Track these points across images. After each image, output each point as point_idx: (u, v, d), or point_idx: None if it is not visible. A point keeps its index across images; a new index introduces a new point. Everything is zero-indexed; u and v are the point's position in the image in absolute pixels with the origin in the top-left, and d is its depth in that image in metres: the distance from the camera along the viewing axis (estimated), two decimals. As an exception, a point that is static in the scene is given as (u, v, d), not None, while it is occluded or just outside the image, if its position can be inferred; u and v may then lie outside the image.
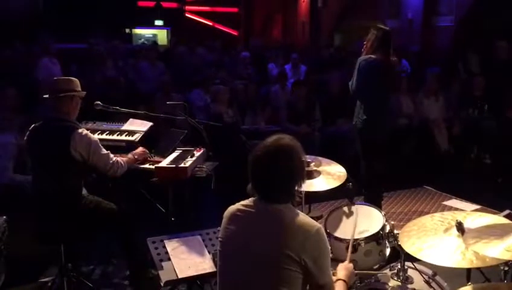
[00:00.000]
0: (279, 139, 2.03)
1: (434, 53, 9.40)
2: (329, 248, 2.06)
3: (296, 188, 2.04)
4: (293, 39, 14.69)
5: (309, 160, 3.13)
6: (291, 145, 2.03)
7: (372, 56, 4.23)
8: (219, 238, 2.13)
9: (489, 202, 4.93)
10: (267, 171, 1.99)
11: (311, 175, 3.15)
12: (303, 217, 2.00)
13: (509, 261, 2.27)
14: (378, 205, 3.77)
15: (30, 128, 3.38)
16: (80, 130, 3.27)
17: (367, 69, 4.22)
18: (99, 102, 3.74)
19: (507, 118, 6.48)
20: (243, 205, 2.08)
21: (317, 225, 1.99)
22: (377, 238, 2.80)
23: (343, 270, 2.23)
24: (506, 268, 2.37)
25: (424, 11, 10.96)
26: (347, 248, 2.66)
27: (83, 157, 3.27)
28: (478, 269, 2.53)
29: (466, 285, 2.12)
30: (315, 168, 3.19)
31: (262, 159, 2.00)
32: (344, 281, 2.16)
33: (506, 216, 2.90)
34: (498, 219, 2.40)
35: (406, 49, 9.26)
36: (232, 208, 2.11)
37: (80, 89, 3.41)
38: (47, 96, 3.36)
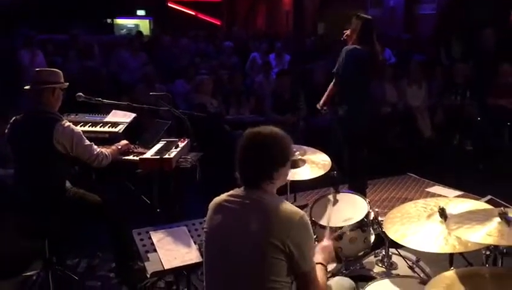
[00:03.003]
0: (265, 128, 2.09)
1: (416, 41, 9.45)
2: (314, 235, 2.07)
3: (277, 173, 2.06)
4: (277, 28, 14.65)
5: (294, 149, 3.14)
6: (277, 133, 2.08)
7: (358, 46, 4.21)
8: (204, 229, 2.13)
9: (471, 188, 5.00)
10: (252, 157, 2.04)
11: (296, 164, 3.16)
12: (287, 205, 2.02)
13: (491, 245, 2.31)
14: (362, 193, 3.81)
15: (11, 121, 3.32)
16: (62, 122, 3.23)
17: (353, 60, 4.20)
18: (81, 93, 3.69)
19: (488, 105, 6.57)
20: (229, 196, 2.09)
21: (301, 212, 2.01)
22: (362, 225, 2.83)
23: (320, 252, 2.25)
24: (488, 252, 2.41)
25: (406, -1, 11.04)
26: (335, 238, 2.68)
27: (66, 149, 3.23)
28: (460, 254, 2.57)
29: (449, 269, 2.15)
30: (300, 157, 3.21)
31: (249, 145, 2.05)
32: (322, 264, 2.18)
33: (488, 202, 2.96)
34: (480, 204, 2.44)
35: (390, 37, 9.30)
36: (218, 199, 2.12)
37: (62, 80, 3.36)
38: (28, 87, 3.31)
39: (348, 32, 4.34)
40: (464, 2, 9.66)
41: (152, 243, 2.77)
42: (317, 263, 2.14)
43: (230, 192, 2.11)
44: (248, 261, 1.96)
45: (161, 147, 3.58)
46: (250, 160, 2.05)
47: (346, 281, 2.41)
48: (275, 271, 1.95)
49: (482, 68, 6.90)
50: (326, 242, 2.38)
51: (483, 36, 7.22)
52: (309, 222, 2.04)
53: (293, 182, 3.19)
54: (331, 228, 2.69)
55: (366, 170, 4.65)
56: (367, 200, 3.03)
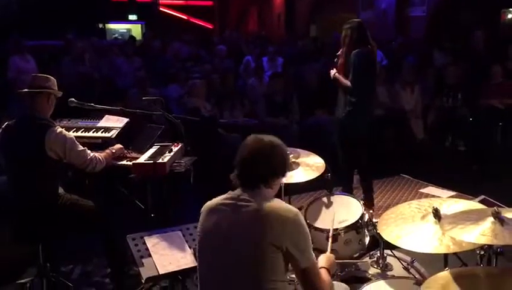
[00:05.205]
0: (271, 138, 2.15)
1: (408, 43, 9.51)
2: (309, 233, 2.08)
3: (273, 181, 2.13)
4: (269, 31, 14.68)
5: (288, 152, 3.14)
6: (277, 143, 2.14)
7: (358, 49, 4.18)
8: (197, 234, 2.13)
9: (464, 188, 5.02)
10: (255, 165, 2.07)
11: (290, 167, 3.16)
12: (279, 204, 2.03)
13: (485, 245, 2.32)
14: (369, 193, 3.78)
15: (3, 127, 3.30)
16: (54, 128, 3.21)
17: (360, 61, 4.12)
18: (73, 99, 3.67)
19: (480, 107, 6.62)
20: (221, 199, 2.09)
21: (294, 209, 2.02)
22: (356, 227, 2.84)
23: (324, 259, 2.28)
24: (482, 252, 2.42)
25: (397, 1, 11.08)
26: (327, 238, 2.69)
27: (59, 156, 3.21)
28: (455, 254, 2.58)
29: (444, 270, 2.15)
30: (294, 160, 3.20)
31: (252, 153, 2.09)
32: (327, 268, 2.20)
33: (481, 202, 2.98)
34: (473, 204, 2.45)
35: (383, 39, 9.33)
36: (210, 203, 2.12)
37: (56, 88, 3.35)
38: (23, 91, 3.28)
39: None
40: (454, 4, 9.74)
41: (147, 248, 2.76)
42: (322, 267, 2.17)
43: (223, 196, 2.11)
44: (246, 263, 1.96)
45: (154, 151, 3.58)
46: (252, 162, 2.07)
47: (342, 287, 2.42)
48: (273, 271, 1.95)
49: (473, 69, 6.94)
50: (328, 254, 2.39)
51: (474, 38, 7.28)
52: (303, 218, 2.05)
53: (287, 185, 3.18)
54: (328, 231, 2.70)
55: (359, 172, 4.65)
56: (361, 201, 3.04)
